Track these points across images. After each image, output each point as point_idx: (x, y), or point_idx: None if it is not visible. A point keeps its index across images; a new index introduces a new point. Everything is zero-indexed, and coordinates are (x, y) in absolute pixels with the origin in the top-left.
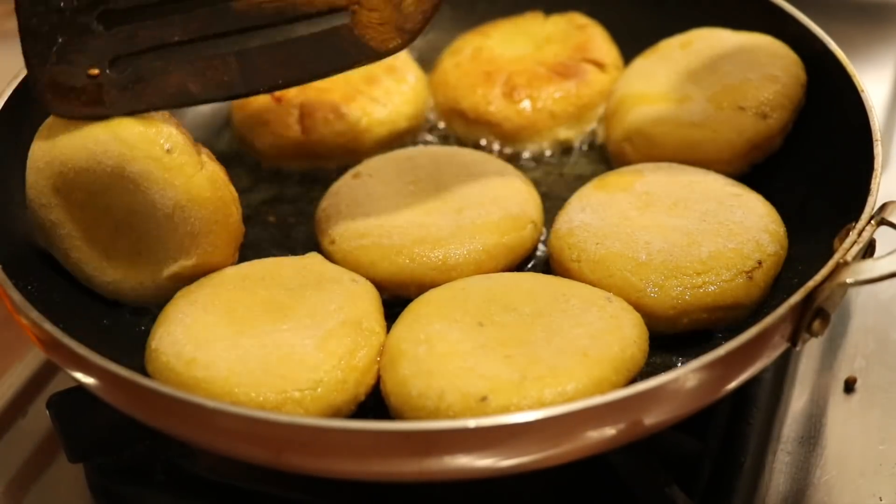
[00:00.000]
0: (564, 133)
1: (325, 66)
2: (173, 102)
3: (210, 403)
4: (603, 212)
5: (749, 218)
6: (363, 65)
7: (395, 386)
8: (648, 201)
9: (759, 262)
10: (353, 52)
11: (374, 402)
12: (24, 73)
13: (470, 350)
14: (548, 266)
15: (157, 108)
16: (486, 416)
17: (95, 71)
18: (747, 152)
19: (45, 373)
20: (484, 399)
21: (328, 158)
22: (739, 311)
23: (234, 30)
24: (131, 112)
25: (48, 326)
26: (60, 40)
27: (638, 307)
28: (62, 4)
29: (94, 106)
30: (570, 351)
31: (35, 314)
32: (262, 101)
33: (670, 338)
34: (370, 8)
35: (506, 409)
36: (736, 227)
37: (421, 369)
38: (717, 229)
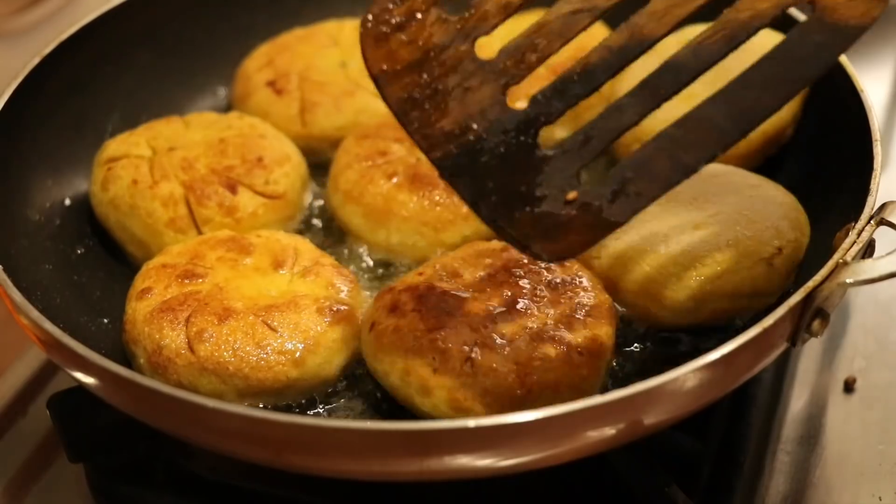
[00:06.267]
0: (560, 132)
1: (805, 70)
2: (665, 188)
3: (210, 403)
4: None
5: (768, 207)
6: (847, 48)
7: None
8: (668, 196)
9: (779, 249)
10: (833, 40)
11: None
12: (24, 73)
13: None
14: None
15: (657, 198)
16: None
17: (573, 194)
18: (761, 145)
19: (45, 373)
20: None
21: (328, 152)
22: (762, 298)
23: (687, 81)
24: (633, 216)
25: (48, 326)
26: (519, 187)
27: (658, 300)
28: (494, 147)
29: (594, 231)
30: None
31: (35, 314)
32: (262, 95)
33: (671, 337)
34: None
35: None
36: (755, 216)
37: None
38: (737, 219)
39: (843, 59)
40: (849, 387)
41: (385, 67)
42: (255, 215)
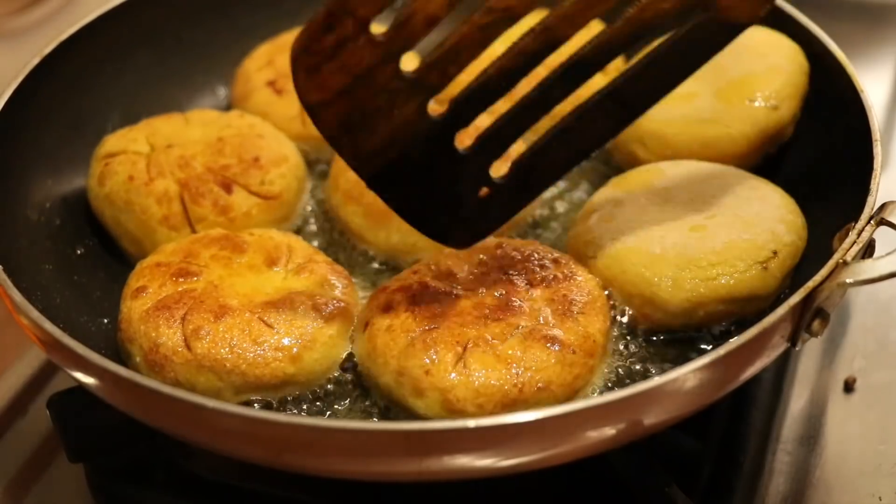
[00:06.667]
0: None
1: (697, 59)
2: (564, 172)
3: (210, 403)
4: (620, 209)
5: (765, 209)
6: (732, 41)
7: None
8: (667, 197)
9: (774, 253)
10: (720, 36)
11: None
12: (24, 73)
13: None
14: None
15: (554, 183)
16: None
17: (486, 190)
18: (761, 144)
19: (45, 373)
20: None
21: (328, 151)
22: (756, 302)
23: (590, 75)
24: (533, 200)
25: (48, 326)
26: (439, 190)
27: (653, 301)
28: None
29: (500, 218)
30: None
31: (35, 314)
32: (262, 95)
33: (672, 337)
34: None
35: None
36: (752, 219)
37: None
38: (733, 221)
39: (843, 58)
40: (849, 387)
41: (317, 98)
42: (248, 215)
